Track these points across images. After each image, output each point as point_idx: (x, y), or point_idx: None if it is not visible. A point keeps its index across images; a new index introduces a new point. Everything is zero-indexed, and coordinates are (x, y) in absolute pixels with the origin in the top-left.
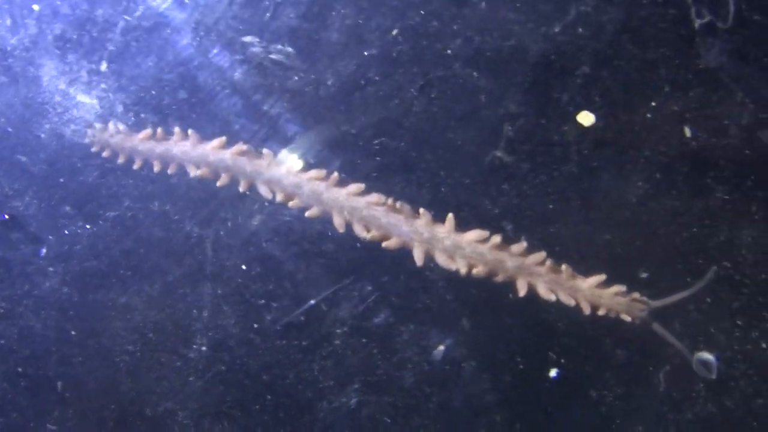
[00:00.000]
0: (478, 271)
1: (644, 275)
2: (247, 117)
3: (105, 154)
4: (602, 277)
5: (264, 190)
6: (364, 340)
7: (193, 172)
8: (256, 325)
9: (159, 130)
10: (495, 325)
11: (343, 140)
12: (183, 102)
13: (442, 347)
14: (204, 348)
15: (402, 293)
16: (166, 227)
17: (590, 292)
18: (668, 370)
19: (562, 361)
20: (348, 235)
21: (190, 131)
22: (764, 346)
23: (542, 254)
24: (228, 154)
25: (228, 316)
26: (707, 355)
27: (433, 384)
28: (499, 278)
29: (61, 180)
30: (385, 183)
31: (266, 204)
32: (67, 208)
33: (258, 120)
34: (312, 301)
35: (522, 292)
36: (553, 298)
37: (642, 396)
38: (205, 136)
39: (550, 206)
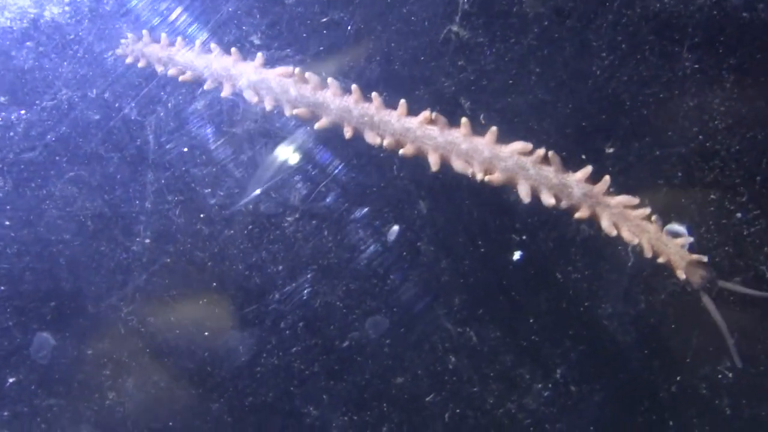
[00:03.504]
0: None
1: (611, 150)
2: None
3: (140, 64)
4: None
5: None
6: (314, 223)
7: (226, 92)
8: (202, 215)
9: (197, 41)
10: (454, 207)
11: (289, 16)
12: None
13: (396, 227)
14: (147, 240)
15: (355, 175)
16: (104, 113)
17: (656, 236)
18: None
19: (524, 239)
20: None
21: (233, 49)
22: (739, 216)
23: (607, 179)
24: (272, 75)
25: (172, 205)
26: (678, 227)
27: (388, 266)
28: (563, 204)
29: None
30: (334, 60)
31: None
32: (0, 97)
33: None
34: (260, 188)
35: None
36: (614, 232)
37: (611, 274)
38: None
39: (510, 81)
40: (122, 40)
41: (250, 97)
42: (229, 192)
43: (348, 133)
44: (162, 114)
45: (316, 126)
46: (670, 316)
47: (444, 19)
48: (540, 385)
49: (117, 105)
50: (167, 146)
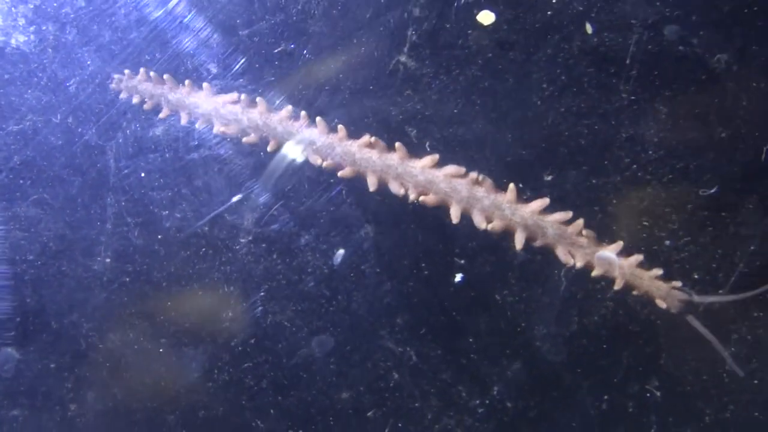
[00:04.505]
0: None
1: (549, 177)
2: (145, 26)
3: (135, 100)
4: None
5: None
6: (265, 246)
7: (218, 129)
8: (159, 236)
9: (187, 81)
10: (399, 232)
11: (244, 46)
12: (81, 11)
13: (342, 251)
14: (108, 260)
15: (304, 200)
16: (67, 138)
17: (630, 270)
18: (569, 269)
19: (465, 263)
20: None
21: (244, 96)
22: (668, 243)
23: (580, 222)
24: (257, 114)
25: (131, 226)
26: (609, 253)
27: (333, 288)
28: (537, 243)
29: None
30: (285, 89)
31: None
32: None
33: (157, 25)
34: (216, 212)
35: (565, 259)
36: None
37: (545, 297)
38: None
39: (454, 111)
40: (116, 76)
41: (232, 132)
42: (185, 215)
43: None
44: (122, 140)
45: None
46: (600, 338)
47: (392, 50)
48: (477, 402)
49: (79, 130)
50: (126, 170)
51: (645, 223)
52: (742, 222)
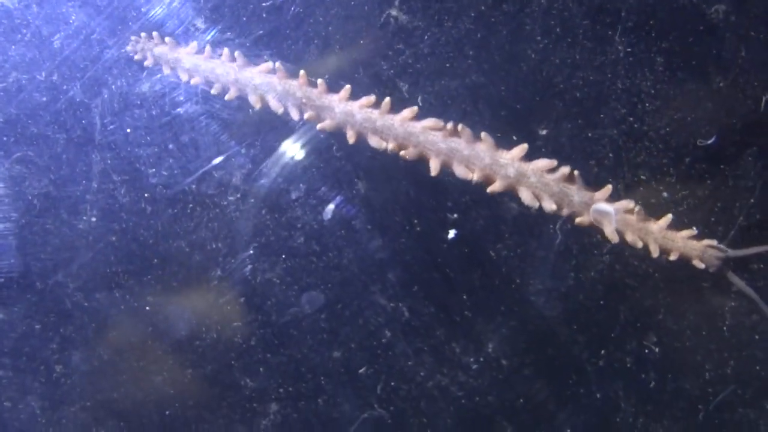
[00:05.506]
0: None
1: (544, 131)
2: None
3: (147, 63)
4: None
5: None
6: (252, 201)
7: (233, 95)
8: (146, 194)
9: (207, 47)
10: (391, 187)
11: (232, 0)
12: None
13: (331, 206)
14: (93, 218)
15: (295, 155)
16: (51, 95)
17: (661, 234)
18: (564, 222)
19: (456, 218)
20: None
21: (237, 53)
22: (665, 195)
23: (608, 188)
24: (276, 80)
25: (117, 184)
26: (605, 206)
27: (323, 244)
28: (564, 211)
29: None
30: (275, 43)
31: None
32: None
33: None
34: (203, 168)
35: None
36: (616, 239)
37: (540, 252)
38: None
39: (447, 64)
40: (132, 37)
41: (254, 102)
42: (172, 172)
43: (351, 138)
44: (107, 96)
45: (319, 127)
46: (597, 292)
47: (383, 3)
48: (471, 359)
49: (64, 87)
50: (112, 127)
51: (642, 177)
52: (742, 174)
